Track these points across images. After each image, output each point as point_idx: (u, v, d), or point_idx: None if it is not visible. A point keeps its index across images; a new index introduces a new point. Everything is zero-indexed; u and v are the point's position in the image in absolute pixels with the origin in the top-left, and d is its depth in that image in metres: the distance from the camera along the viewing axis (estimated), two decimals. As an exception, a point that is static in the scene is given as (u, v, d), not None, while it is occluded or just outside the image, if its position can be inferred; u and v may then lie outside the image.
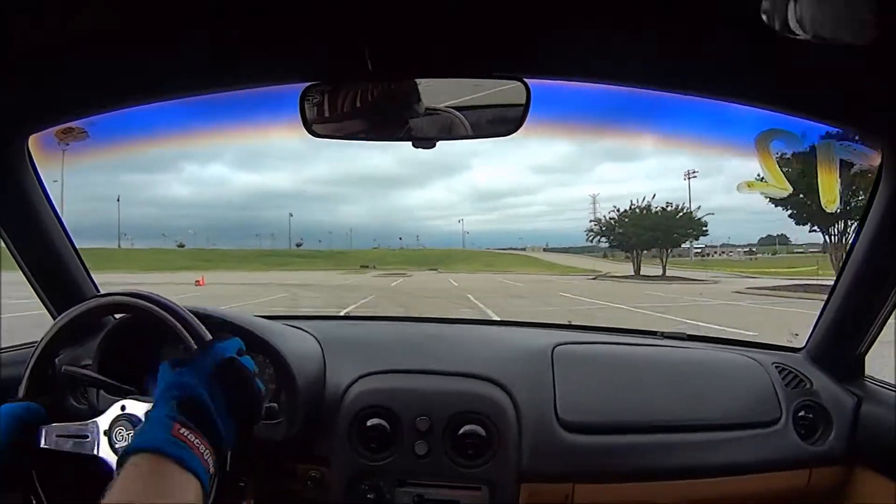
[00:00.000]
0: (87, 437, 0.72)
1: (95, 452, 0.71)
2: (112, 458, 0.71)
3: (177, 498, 0.48)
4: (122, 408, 0.73)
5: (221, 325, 0.90)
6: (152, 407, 0.56)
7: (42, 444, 0.71)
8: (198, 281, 18.02)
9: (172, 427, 0.52)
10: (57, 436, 0.71)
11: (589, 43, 0.78)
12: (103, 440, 0.72)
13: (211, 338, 0.75)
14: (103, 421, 0.73)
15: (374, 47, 0.76)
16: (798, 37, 0.47)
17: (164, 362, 0.62)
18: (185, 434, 0.52)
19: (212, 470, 0.53)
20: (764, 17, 0.49)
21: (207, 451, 0.53)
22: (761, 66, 0.76)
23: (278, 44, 0.77)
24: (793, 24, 0.46)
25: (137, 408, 0.73)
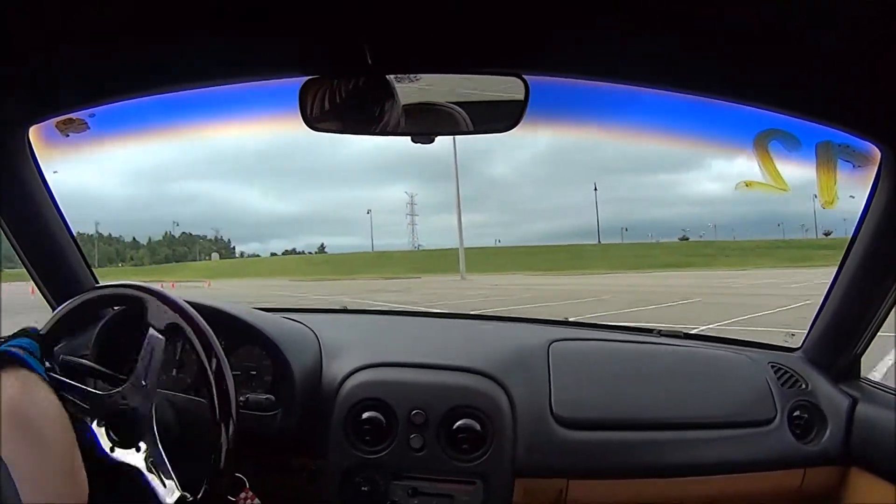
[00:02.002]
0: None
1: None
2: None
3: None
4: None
5: (217, 317, 0.91)
6: None
7: None
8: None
9: None
10: None
11: (588, 40, 0.78)
12: (101, 432, 0.73)
13: (210, 329, 0.77)
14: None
15: (373, 42, 0.76)
16: None
17: None
18: None
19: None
20: None
21: None
22: (761, 66, 0.76)
23: (277, 38, 0.77)
24: None
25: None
